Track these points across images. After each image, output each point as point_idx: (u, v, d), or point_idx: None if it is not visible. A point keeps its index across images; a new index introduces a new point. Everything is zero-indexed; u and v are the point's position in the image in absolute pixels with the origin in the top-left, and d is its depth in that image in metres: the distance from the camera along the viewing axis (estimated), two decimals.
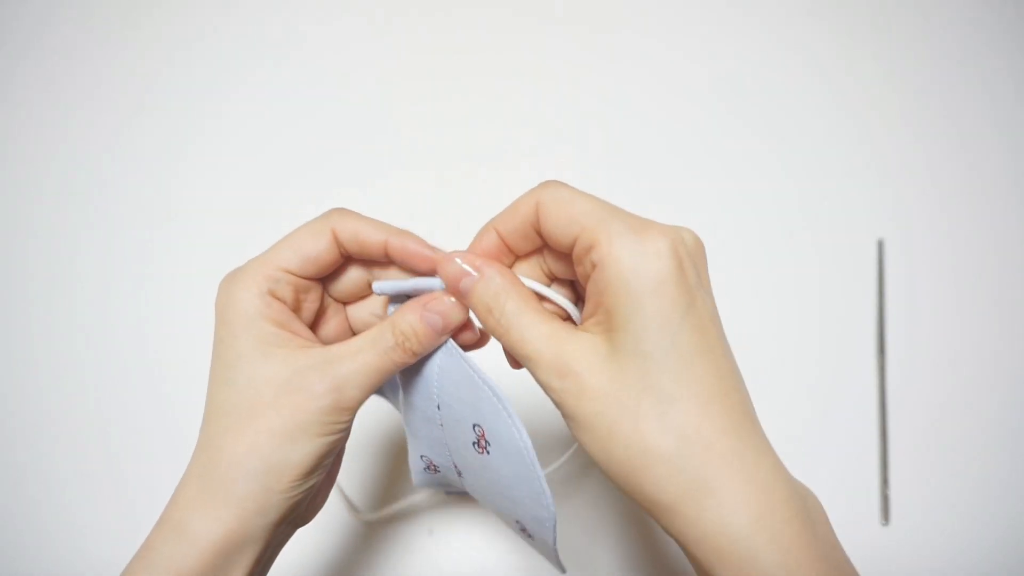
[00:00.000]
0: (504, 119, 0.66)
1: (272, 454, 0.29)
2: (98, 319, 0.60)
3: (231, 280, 0.31)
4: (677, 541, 0.27)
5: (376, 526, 0.52)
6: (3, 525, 0.54)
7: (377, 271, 0.33)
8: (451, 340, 0.31)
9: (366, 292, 0.34)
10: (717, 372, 0.26)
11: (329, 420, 0.30)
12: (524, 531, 0.34)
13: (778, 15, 0.69)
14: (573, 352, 0.28)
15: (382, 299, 0.34)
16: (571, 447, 0.42)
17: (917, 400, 0.55)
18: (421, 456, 0.36)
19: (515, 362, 0.31)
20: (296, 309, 0.32)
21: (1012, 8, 0.68)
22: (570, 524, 0.52)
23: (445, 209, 0.62)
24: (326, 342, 0.33)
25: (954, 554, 0.51)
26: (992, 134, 0.64)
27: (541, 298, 0.31)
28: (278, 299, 0.31)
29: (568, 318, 0.32)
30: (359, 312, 0.35)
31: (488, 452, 0.32)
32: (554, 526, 0.31)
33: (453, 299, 0.30)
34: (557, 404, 0.28)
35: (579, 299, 0.32)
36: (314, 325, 0.34)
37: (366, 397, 0.31)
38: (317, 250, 0.31)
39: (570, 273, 0.30)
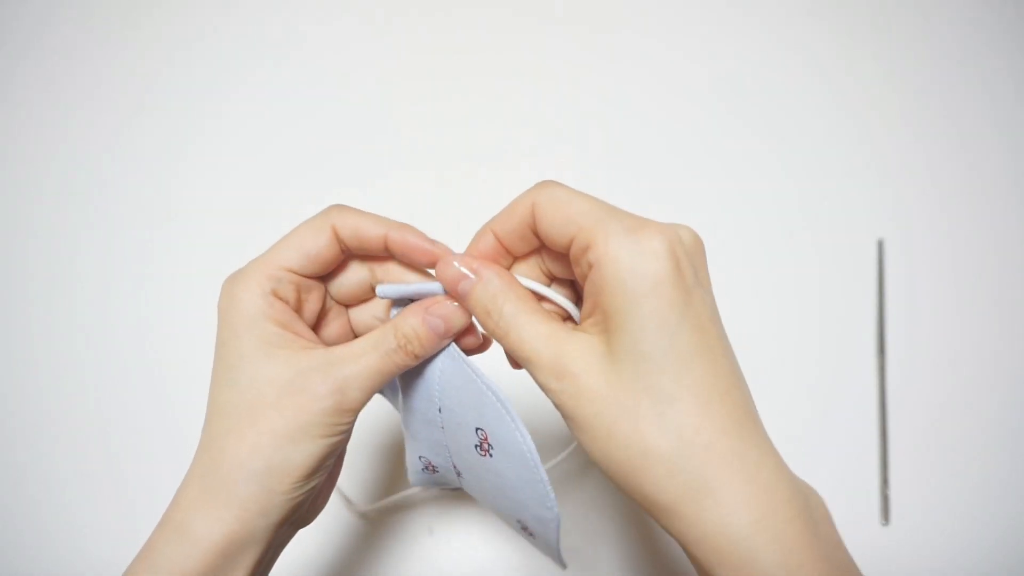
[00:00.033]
0: (504, 119, 0.66)
1: (274, 455, 0.29)
2: (98, 319, 0.60)
3: (233, 281, 0.31)
4: (678, 541, 0.27)
5: (376, 525, 0.52)
6: (3, 525, 0.54)
7: (380, 273, 0.33)
8: (454, 344, 0.31)
9: (368, 295, 0.34)
10: (716, 371, 0.26)
11: (331, 421, 0.30)
12: (525, 530, 0.35)
13: (778, 15, 0.69)
14: (571, 353, 0.27)
15: (384, 302, 0.34)
16: (570, 446, 0.42)
17: (917, 400, 0.55)
18: (420, 457, 0.36)
19: (515, 363, 0.31)
20: (298, 309, 0.32)
21: (1012, 8, 0.68)
22: (570, 522, 0.52)
23: (445, 209, 0.61)
24: (328, 344, 0.33)
25: (954, 554, 0.51)
26: (992, 134, 0.64)
27: (540, 298, 0.31)
28: (280, 299, 0.31)
29: (568, 318, 0.32)
30: (361, 315, 0.35)
31: (491, 455, 0.32)
32: (558, 526, 0.31)
33: (456, 303, 0.30)
34: (556, 405, 0.28)
35: (579, 298, 0.32)
36: (316, 327, 0.34)
37: (368, 398, 0.31)
38: (318, 247, 0.31)
39: (569, 272, 0.30)
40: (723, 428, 0.26)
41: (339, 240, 0.31)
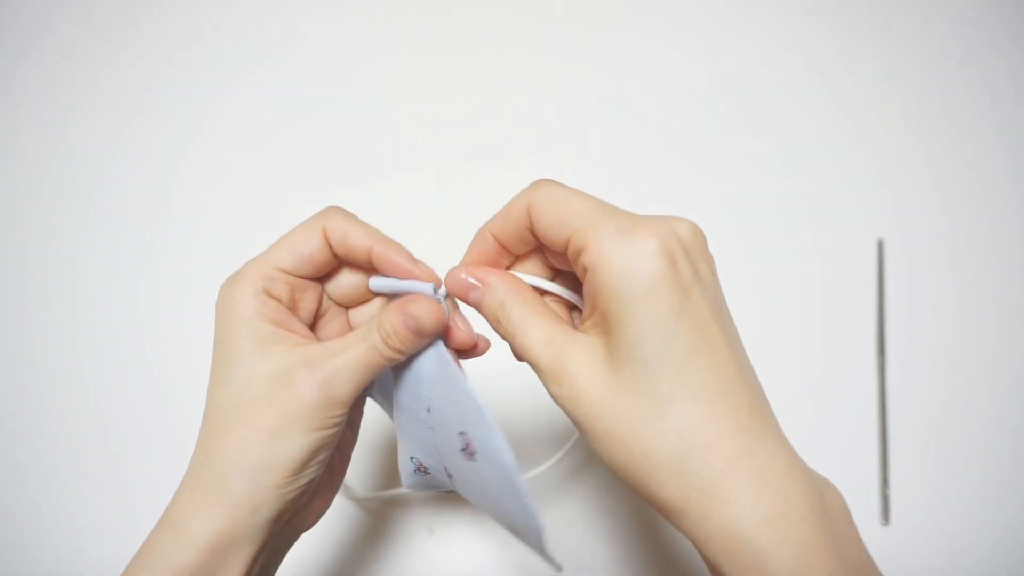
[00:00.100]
0: (504, 119, 0.66)
1: (262, 450, 0.29)
2: (98, 319, 0.60)
3: (230, 282, 0.31)
4: (690, 540, 0.27)
5: (376, 525, 0.52)
6: (3, 525, 0.54)
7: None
8: (443, 346, 0.31)
9: (367, 296, 0.34)
10: (718, 370, 0.26)
11: (320, 415, 0.30)
12: (517, 533, 0.35)
13: (778, 15, 0.69)
14: (570, 357, 0.28)
15: (381, 302, 0.34)
16: (570, 439, 0.42)
17: (917, 400, 0.55)
18: (411, 458, 0.36)
19: (518, 355, 0.31)
20: (293, 308, 0.32)
21: (1012, 8, 0.68)
22: (571, 519, 0.52)
23: (445, 209, 0.62)
24: None
25: (954, 554, 0.51)
26: (992, 134, 0.64)
27: (544, 293, 0.31)
28: (273, 297, 0.31)
29: (575, 308, 0.32)
30: (360, 316, 0.35)
31: (475, 460, 0.32)
32: (540, 536, 0.31)
33: (432, 302, 0.30)
34: (560, 407, 0.28)
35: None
36: (315, 327, 0.34)
37: (356, 392, 0.31)
38: (310, 250, 0.31)
39: (563, 261, 0.30)
40: (726, 428, 0.25)
41: (328, 242, 0.31)
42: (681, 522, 0.26)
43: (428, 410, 0.33)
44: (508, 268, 0.32)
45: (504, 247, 0.31)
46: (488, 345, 0.34)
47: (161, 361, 0.58)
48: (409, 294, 0.31)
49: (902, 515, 0.52)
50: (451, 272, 0.31)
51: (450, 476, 0.35)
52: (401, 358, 0.31)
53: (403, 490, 0.50)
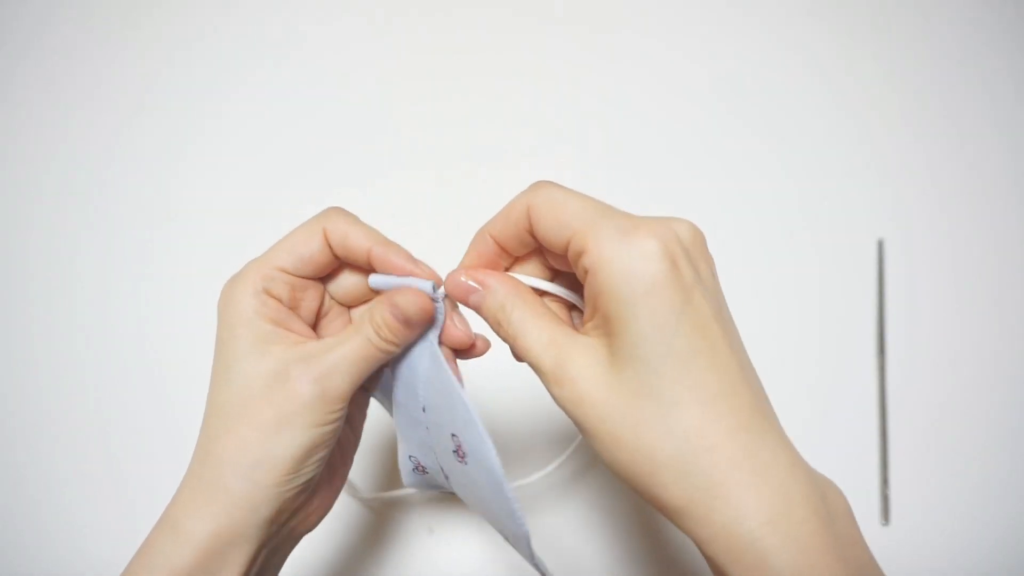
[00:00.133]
0: (504, 119, 0.66)
1: (259, 448, 0.29)
2: (98, 319, 0.60)
3: (231, 283, 0.31)
4: (692, 540, 0.27)
5: (376, 524, 0.52)
6: (3, 525, 0.54)
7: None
8: (437, 345, 0.32)
9: (368, 295, 0.34)
10: (720, 371, 0.26)
11: (317, 410, 0.30)
12: (508, 539, 0.34)
13: (778, 15, 0.69)
14: (572, 359, 0.28)
15: None
16: (573, 442, 0.42)
17: (917, 400, 0.55)
18: (409, 456, 0.36)
19: (517, 355, 0.31)
20: (295, 307, 0.32)
21: (1012, 8, 0.68)
22: (573, 521, 0.52)
23: (445, 209, 0.62)
24: None
25: (954, 554, 0.51)
26: (992, 134, 0.64)
27: (543, 293, 0.31)
28: (274, 297, 0.31)
29: (575, 307, 0.32)
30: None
31: (466, 462, 0.32)
32: (528, 543, 0.31)
33: (418, 294, 0.30)
34: (562, 410, 0.28)
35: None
36: (318, 326, 0.34)
37: (352, 386, 0.31)
38: (310, 251, 0.31)
39: (563, 262, 0.30)
40: (729, 429, 0.25)
41: (328, 242, 0.32)
42: (684, 522, 0.26)
43: (424, 409, 0.33)
44: (507, 269, 0.32)
45: (503, 249, 0.31)
46: (488, 346, 0.34)
47: (161, 361, 0.58)
48: (423, 286, 0.31)
49: (902, 515, 0.52)
50: (451, 275, 0.31)
51: (446, 477, 0.36)
52: (395, 350, 0.31)
53: (406, 490, 0.51)
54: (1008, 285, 0.59)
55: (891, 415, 0.55)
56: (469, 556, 0.52)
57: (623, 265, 0.26)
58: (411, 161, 0.65)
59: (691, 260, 0.27)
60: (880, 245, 0.60)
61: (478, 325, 0.33)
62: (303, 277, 0.32)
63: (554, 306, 0.32)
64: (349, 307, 0.35)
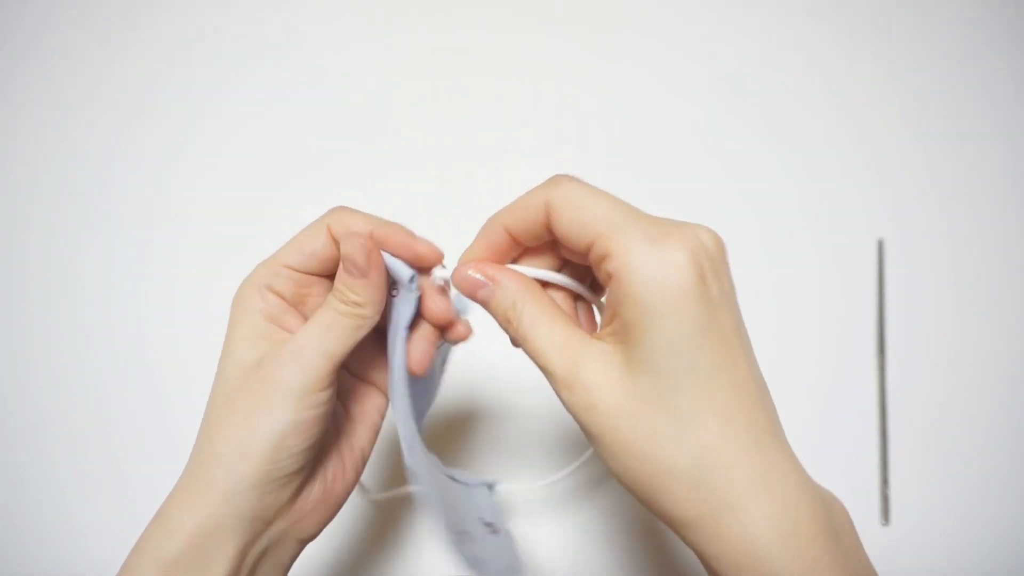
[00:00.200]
0: (504, 119, 0.66)
1: (237, 437, 0.29)
2: (98, 319, 0.60)
3: (242, 282, 0.32)
4: (696, 554, 0.27)
5: (383, 521, 0.52)
6: (3, 525, 0.53)
7: None
8: (404, 329, 0.31)
9: None
10: (738, 388, 0.26)
11: (292, 393, 0.29)
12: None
13: (778, 15, 0.69)
14: (585, 364, 0.27)
15: None
16: (585, 453, 0.42)
17: (917, 400, 0.55)
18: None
19: (514, 341, 0.31)
20: (300, 303, 0.33)
21: (1012, 8, 0.68)
22: (581, 534, 0.52)
23: (445, 209, 0.61)
24: None
25: (954, 554, 0.51)
26: (992, 134, 0.64)
27: (547, 285, 0.31)
28: (275, 293, 0.32)
29: (580, 297, 0.32)
30: None
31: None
32: (454, 544, 0.31)
33: (360, 236, 0.30)
34: (571, 415, 0.28)
35: (594, 281, 0.32)
36: None
37: (327, 361, 0.30)
38: (314, 246, 0.32)
39: (579, 257, 0.30)
40: (745, 445, 0.25)
41: (334, 240, 0.32)
42: (692, 537, 0.26)
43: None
44: (516, 260, 0.32)
45: (516, 239, 0.30)
46: (470, 331, 0.34)
47: (161, 361, 0.58)
48: (395, 270, 0.31)
49: (902, 515, 0.52)
50: (459, 268, 0.31)
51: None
52: (364, 311, 0.30)
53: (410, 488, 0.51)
54: (1008, 285, 0.59)
55: (891, 415, 0.55)
56: None
57: (651, 274, 0.25)
58: (411, 161, 0.65)
59: (716, 272, 0.26)
60: (880, 245, 0.60)
61: (481, 321, 0.33)
62: (310, 273, 0.32)
63: (558, 296, 0.32)
64: None
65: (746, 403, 0.26)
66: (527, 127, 0.66)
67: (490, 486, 0.39)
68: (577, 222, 0.27)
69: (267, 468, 0.29)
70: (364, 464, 0.36)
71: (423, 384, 0.39)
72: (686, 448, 0.25)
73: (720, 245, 0.27)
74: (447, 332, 0.34)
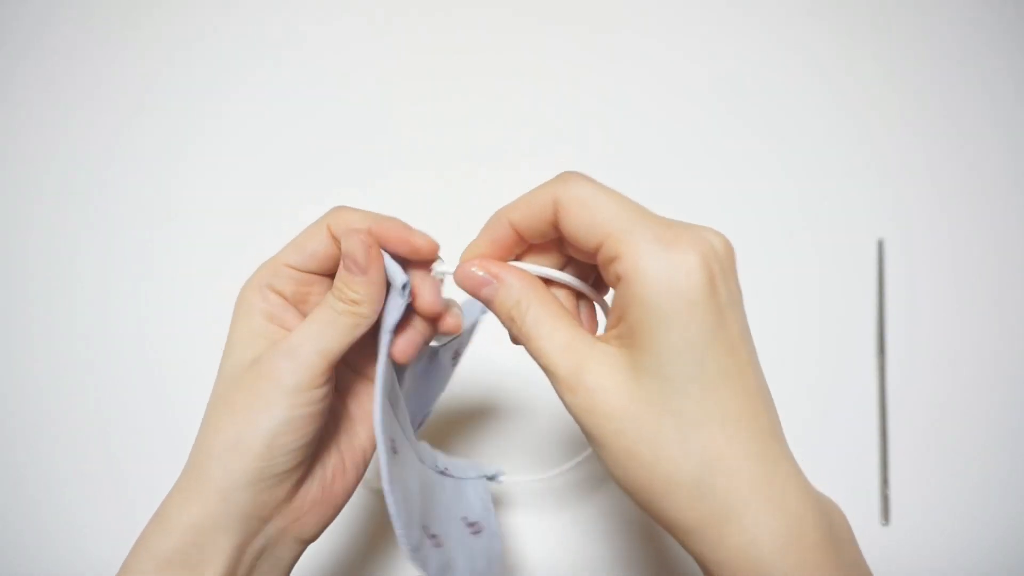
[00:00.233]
0: (504, 119, 0.66)
1: (232, 432, 0.29)
2: (98, 319, 0.60)
3: (246, 282, 0.32)
4: (697, 561, 0.26)
5: (378, 524, 0.52)
6: (3, 525, 0.53)
7: None
8: (388, 334, 0.31)
9: None
10: (744, 394, 0.25)
11: (287, 389, 0.29)
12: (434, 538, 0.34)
13: (778, 15, 0.69)
14: (590, 367, 0.27)
15: None
16: (583, 453, 0.42)
17: (917, 400, 0.55)
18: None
19: (514, 338, 0.31)
20: (301, 301, 0.33)
21: (1012, 8, 0.68)
22: (583, 531, 0.52)
23: (445, 209, 0.61)
24: None
25: (954, 554, 0.51)
26: (992, 134, 0.64)
27: (550, 283, 0.31)
28: (276, 292, 0.32)
29: (581, 295, 0.31)
30: None
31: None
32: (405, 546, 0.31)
33: (360, 232, 0.30)
34: (573, 417, 0.28)
35: (598, 279, 0.32)
36: None
37: (322, 358, 0.30)
38: (314, 246, 0.32)
39: (586, 256, 0.29)
40: (749, 453, 0.25)
41: (334, 238, 0.32)
42: (693, 544, 0.26)
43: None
44: (519, 256, 0.31)
45: (521, 235, 0.30)
46: (458, 324, 0.34)
47: (161, 361, 0.58)
48: (391, 273, 0.31)
49: (902, 515, 0.52)
50: (462, 265, 0.30)
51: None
52: (361, 309, 0.30)
53: None
54: (1008, 285, 0.59)
55: (891, 415, 0.55)
56: None
57: (662, 278, 0.25)
58: (411, 161, 0.65)
59: (725, 277, 0.26)
60: (880, 245, 0.60)
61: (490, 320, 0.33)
62: (311, 272, 0.32)
63: (561, 295, 0.31)
64: None
65: (751, 410, 0.26)
66: (527, 127, 0.66)
67: (491, 477, 0.39)
68: (586, 222, 0.27)
69: (261, 465, 0.29)
70: (366, 465, 0.36)
71: (432, 376, 0.39)
72: (690, 454, 0.25)
73: (729, 249, 0.27)
74: (437, 324, 0.34)
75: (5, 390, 0.58)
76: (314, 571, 0.51)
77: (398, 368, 0.35)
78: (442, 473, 0.37)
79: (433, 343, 0.37)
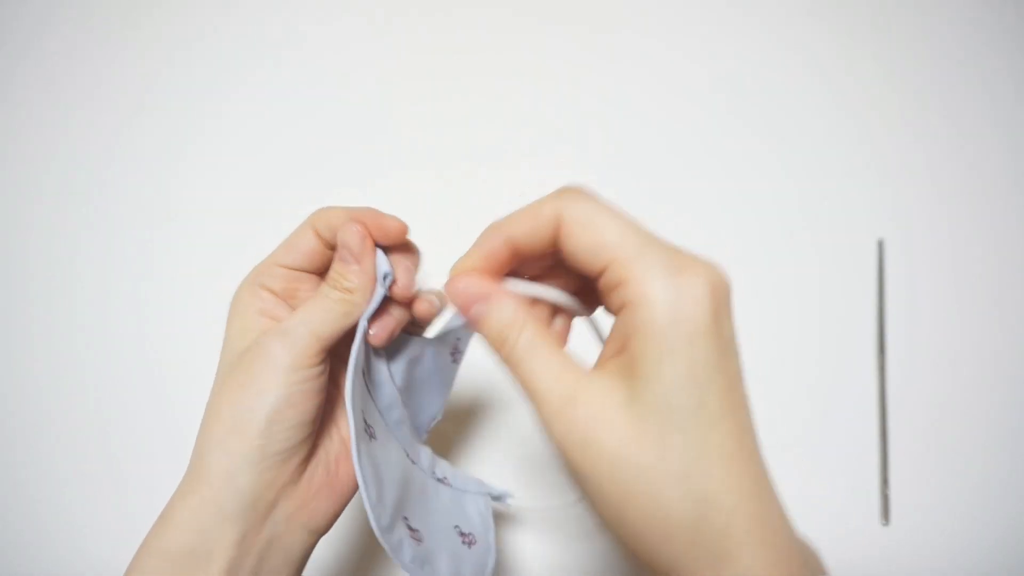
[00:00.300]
0: (504, 119, 0.66)
1: (230, 415, 0.30)
2: (98, 319, 0.60)
3: (240, 284, 0.34)
4: None
5: None
6: (3, 525, 0.53)
7: None
8: (365, 321, 0.32)
9: None
10: (741, 433, 0.25)
11: (282, 365, 0.30)
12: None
13: (778, 15, 0.69)
14: (585, 397, 0.25)
15: None
16: (570, 499, 0.41)
17: (917, 400, 0.55)
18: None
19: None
20: (290, 297, 0.34)
21: (1012, 8, 0.68)
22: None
23: (445, 209, 0.61)
24: None
25: (954, 554, 0.51)
26: (992, 134, 0.64)
27: (535, 301, 0.30)
28: (267, 289, 0.33)
29: (559, 311, 0.31)
30: None
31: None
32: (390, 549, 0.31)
33: (355, 225, 0.32)
34: (560, 450, 0.26)
35: (580, 287, 0.30)
36: None
37: (316, 339, 0.31)
38: (301, 245, 0.33)
39: (579, 275, 0.28)
40: (745, 491, 0.24)
41: (318, 235, 0.33)
42: None
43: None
44: (511, 273, 0.30)
45: (516, 252, 0.28)
46: (432, 312, 0.35)
47: (161, 361, 0.58)
48: (379, 266, 0.33)
49: (902, 515, 0.52)
50: (452, 280, 0.29)
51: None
52: (354, 297, 0.32)
53: None
54: (1008, 285, 0.59)
55: (891, 415, 0.55)
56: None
57: (670, 307, 0.24)
58: (411, 161, 0.65)
59: (727, 312, 0.25)
60: (880, 245, 0.60)
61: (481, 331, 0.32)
62: (300, 270, 0.34)
63: (536, 310, 0.30)
64: None
65: (746, 449, 0.25)
66: (527, 127, 0.65)
67: (497, 498, 0.39)
68: (591, 243, 0.25)
69: (262, 443, 0.30)
70: None
71: (435, 377, 0.39)
72: (688, 495, 0.24)
73: (728, 285, 0.25)
74: (411, 308, 0.35)
75: (5, 390, 0.58)
76: (324, 572, 0.51)
77: (391, 365, 0.36)
78: (440, 481, 0.37)
79: (427, 335, 0.38)
